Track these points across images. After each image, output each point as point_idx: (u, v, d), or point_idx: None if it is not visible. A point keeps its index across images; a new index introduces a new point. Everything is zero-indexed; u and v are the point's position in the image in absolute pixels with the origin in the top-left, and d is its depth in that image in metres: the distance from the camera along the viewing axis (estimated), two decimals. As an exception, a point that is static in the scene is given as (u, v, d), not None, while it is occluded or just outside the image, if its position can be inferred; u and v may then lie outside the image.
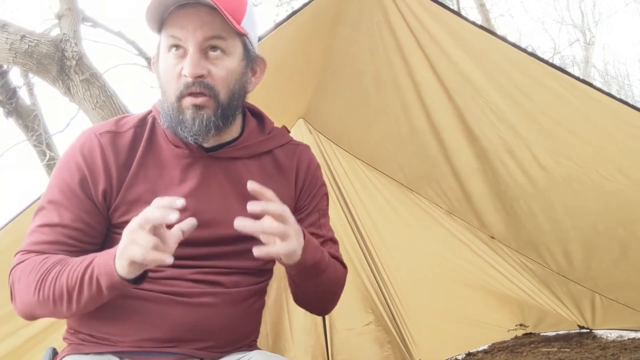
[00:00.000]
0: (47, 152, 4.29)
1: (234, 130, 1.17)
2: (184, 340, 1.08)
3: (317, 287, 1.16)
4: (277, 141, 1.23)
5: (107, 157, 1.09)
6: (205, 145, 1.13)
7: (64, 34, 3.15)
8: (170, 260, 0.91)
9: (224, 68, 1.06)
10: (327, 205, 1.31)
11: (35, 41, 3.00)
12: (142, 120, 1.16)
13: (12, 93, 4.06)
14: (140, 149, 1.12)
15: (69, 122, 4.46)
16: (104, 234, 1.13)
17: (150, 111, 1.18)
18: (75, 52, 3.04)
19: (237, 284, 1.15)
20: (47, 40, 3.05)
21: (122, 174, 1.10)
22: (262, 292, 1.25)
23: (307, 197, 1.24)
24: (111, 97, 3.07)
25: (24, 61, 3.04)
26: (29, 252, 1.07)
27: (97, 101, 3.03)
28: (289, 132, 1.30)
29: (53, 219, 1.07)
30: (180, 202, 0.91)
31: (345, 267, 1.28)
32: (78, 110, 3.72)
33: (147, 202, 1.07)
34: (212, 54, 1.05)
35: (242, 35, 1.09)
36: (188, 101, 1.05)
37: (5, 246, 1.64)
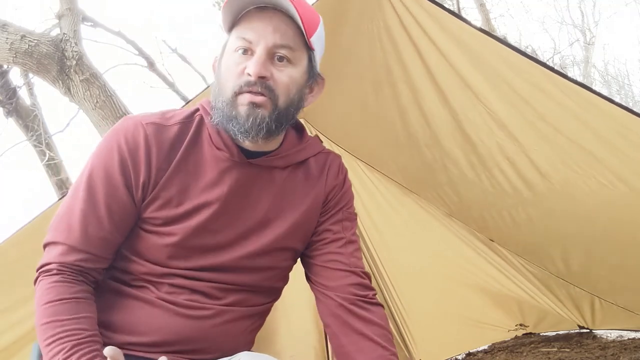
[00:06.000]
0: (47, 152, 4.30)
1: (277, 141, 1.15)
2: (174, 350, 1.08)
3: None
4: (311, 150, 1.22)
5: (151, 148, 1.07)
6: (249, 149, 1.11)
7: (64, 34, 3.16)
8: None
9: (288, 75, 1.06)
10: (354, 212, 1.28)
11: (35, 41, 3.01)
12: (189, 118, 1.14)
13: (12, 93, 4.06)
14: (183, 146, 1.10)
15: (69, 122, 4.47)
16: (125, 236, 1.11)
17: (198, 109, 1.16)
18: (75, 52, 3.04)
19: (240, 303, 1.14)
20: (47, 40, 3.06)
21: (162, 169, 1.08)
22: (265, 313, 1.23)
23: (333, 200, 1.23)
24: (111, 97, 3.08)
25: (24, 61, 3.04)
26: (57, 269, 1.04)
27: (97, 101, 3.03)
28: (321, 141, 1.30)
29: (88, 216, 1.06)
30: None
31: (371, 287, 1.21)
32: (78, 110, 3.72)
33: (180, 203, 1.08)
34: (278, 62, 1.05)
35: (309, 50, 1.08)
36: (246, 97, 1.03)
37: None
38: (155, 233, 1.09)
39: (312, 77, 1.13)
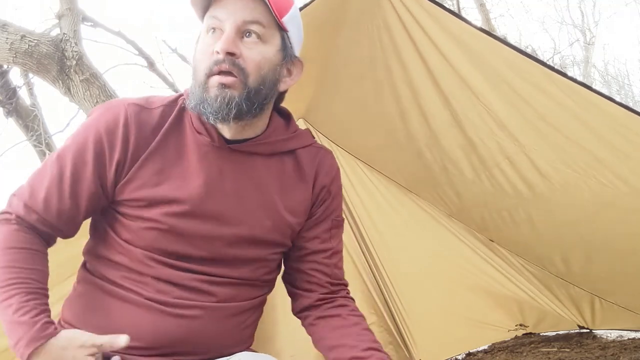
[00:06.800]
0: (47, 152, 4.30)
1: (258, 127, 1.13)
2: (165, 353, 1.07)
3: None
4: (300, 141, 1.20)
5: (130, 128, 1.08)
6: (228, 136, 1.10)
7: (64, 34, 3.16)
8: None
9: (259, 53, 1.05)
10: (342, 217, 1.28)
11: (35, 41, 3.01)
12: (172, 102, 1.14)
13: (12, 93, 4.07)
14: (164, 129, 1.10)
15: (69, 122, 4.48)
16: (87, 214, 1.12)
17: (182, 94, 1.15)
18: (75, 52, 3.04)
19: (232, 298, 1.13)
20: (47, 40, 3.06)
21: (140, 149, 1.08)
22: (259, 306, 1.23)
23: (322, 205, 1.21)
24: (111, 97, 3.08)
25: (24, 61, 3.04)
26: (15, 219, 1.06)
27: (97, 101, 3.03)
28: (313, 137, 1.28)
29: (59, 185, 1.07)
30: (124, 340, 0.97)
31: (346, 286, 1.27)
32: (78, 110, 3.73)
33: (158, 184, 1.08)
34: (247, 39, 1.04)
35: (282, 30, 1.08)
36: (215, 80, 1.03)
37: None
38: (139, 218, 1.09)
39: (288, 58, 1.11)
